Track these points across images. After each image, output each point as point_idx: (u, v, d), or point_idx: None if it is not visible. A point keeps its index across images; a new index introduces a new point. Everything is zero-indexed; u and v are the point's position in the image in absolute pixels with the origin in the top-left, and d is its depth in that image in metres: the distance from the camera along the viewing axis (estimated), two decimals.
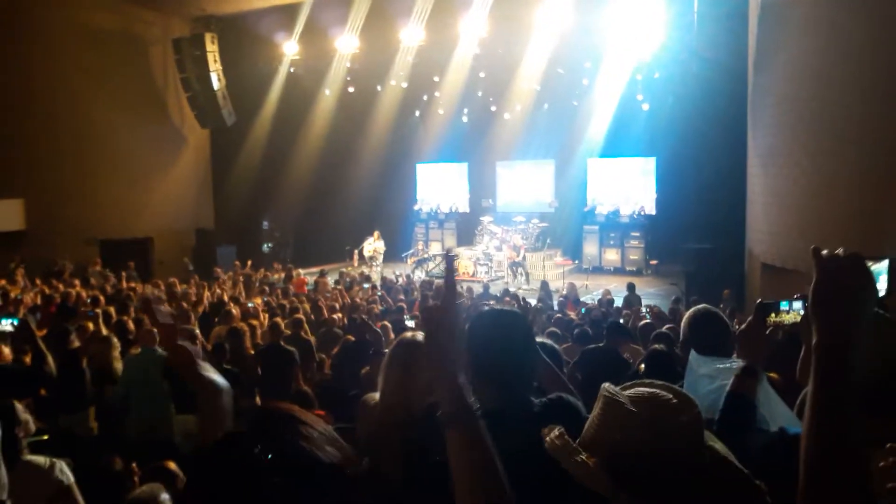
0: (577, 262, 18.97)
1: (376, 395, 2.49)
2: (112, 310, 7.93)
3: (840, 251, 1.23)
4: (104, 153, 16.53)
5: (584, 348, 5.17)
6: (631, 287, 12.86)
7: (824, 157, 10.17)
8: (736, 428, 1.72)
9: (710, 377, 2.05)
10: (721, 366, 2.05)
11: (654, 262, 17.90)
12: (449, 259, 1.30)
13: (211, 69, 17.51)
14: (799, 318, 1.80)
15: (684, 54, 15.09)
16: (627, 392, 1.22)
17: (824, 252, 1.23)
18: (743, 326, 1.91)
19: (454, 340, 1.21)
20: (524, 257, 17.21)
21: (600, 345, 5.17)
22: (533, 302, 11.74)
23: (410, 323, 6.89)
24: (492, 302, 11.21)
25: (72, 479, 2.54)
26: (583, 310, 11.18)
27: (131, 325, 6.78)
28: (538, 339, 2.47)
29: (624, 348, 5.33)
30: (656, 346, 3.98)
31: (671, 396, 1.20)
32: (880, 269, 1.42)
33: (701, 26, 14.22)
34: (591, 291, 14.80)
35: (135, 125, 17.19)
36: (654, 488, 1.14)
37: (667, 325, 6.26)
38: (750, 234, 13.07)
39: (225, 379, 1.78)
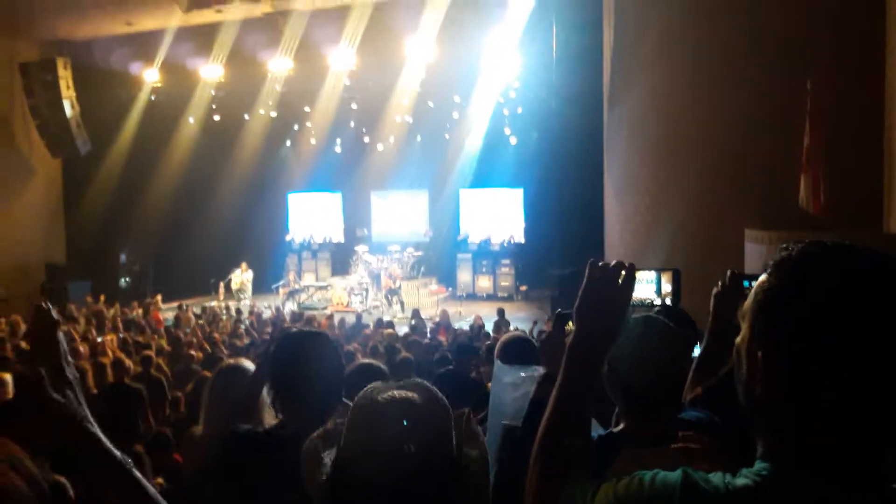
0: (451, 289, 19.26)
1: (200, 428, 2.42)
2: None
3: (612, 262, 1.36)
4: None
5: (438, 371, 5.26)
6: (501, 312, 13.26)
7: (666, 187, 11.00)
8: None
9: (514, 385, 2.14)
10: (524, 374, 2.14)
11: (523, 287, 18.49)
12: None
13: (63, 96, 16.45)
14: None
15: (544, 91, 15.87)
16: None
17: (600, 263, 1.37)
18: (543, 336, 2.02)
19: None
20: (400, 286, 17.29)
21: (450, 367, 5.29)
22: (405, 329, 11.78)
23: None
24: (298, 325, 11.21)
25: None
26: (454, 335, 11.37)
27: None
28: (365, 361, 2.50)
29: (476, 369, 5.47)
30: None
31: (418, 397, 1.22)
32: (650, 278, 1.57)
33: (559, 63, 15.04)
34: (465, 317, 15.05)
35: None
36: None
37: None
38: (609, 259, 13.77)
39: None
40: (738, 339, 1.04)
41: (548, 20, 14.61)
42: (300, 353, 1.90)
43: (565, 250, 15.53)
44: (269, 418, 2.07)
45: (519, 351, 2.45)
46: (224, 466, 1.87)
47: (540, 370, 1.95)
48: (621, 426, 1.74)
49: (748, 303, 1.01)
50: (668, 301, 1.51)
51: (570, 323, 2.04)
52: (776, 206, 8.90)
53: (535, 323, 12.35)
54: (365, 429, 1.16)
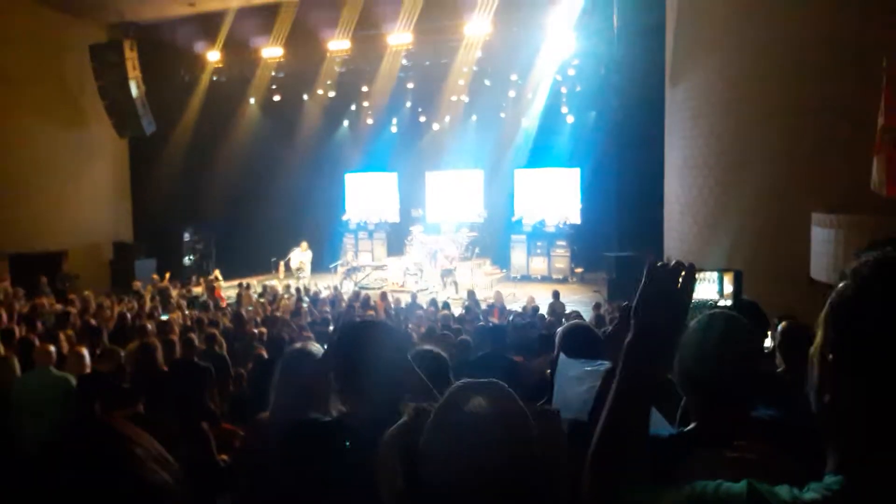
0: (505, 270, 19.19)
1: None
2: (16, 328, 7.56)
3: (672, 261, 1.34)
4: (15, 162, 15.73)
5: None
6: (556, 294, 13.14)
7: (733, 171, 10.67)
8: None
9: (579, 379, 2.11)
10: (589, 368, 2.11)
11: (578, 269, 18.28)
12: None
13: (129, 77, 16.95)
14: None
15: (605, 68, 15.55)
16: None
17: (660, 263, 1.35)
18: (610, 329, 1.98)
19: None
20: (455, 267, 17.32)
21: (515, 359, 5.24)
22: (459, 311, 11.82)
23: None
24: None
25: None
26: (510, 317, 11.37)
27: (37, 344, 6.46)
28: (425, 347, 2.50)
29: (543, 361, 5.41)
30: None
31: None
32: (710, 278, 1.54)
33: (620, 41, 14.70)
34: (519, 299, 15.00)
35: (49, 133, 16.45)
36: None
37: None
38: (667, 243, 13.53)
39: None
40: (812, 347, 1.02)
41: None
42: (363, 342, 1.91)
43: (623, 232, 15.30)
44: (337, 406, 2.09)
45: (582, 342, 2.40)
46: (290, 454, 1.91)
47: (606, 364, 1.92)
48: (692, 425, 1.70)
49: (824, 311, 0.99)
50: (729, 302, 1.47)
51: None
52: (846, 190, 8.54)
53: (598, 306, 12.17)
54: (448, 441, 1.15)
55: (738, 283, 1.36)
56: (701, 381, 1.66)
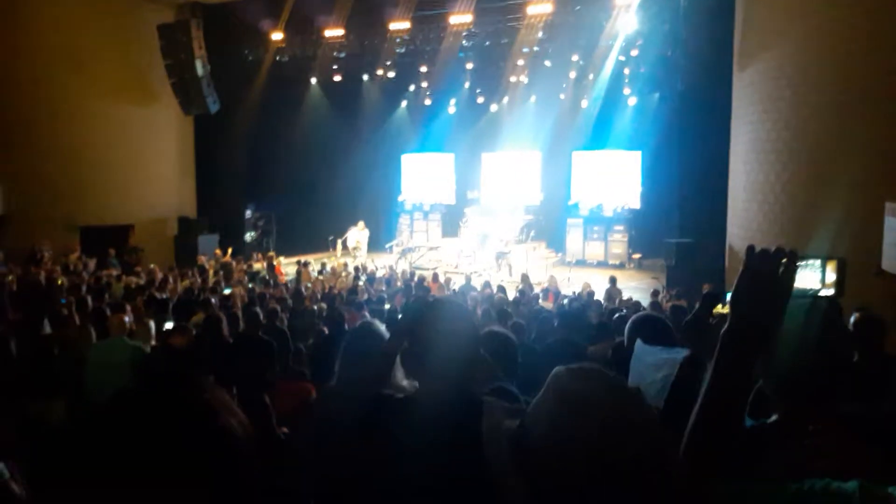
0: (560, 254, 19.02)
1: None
2: (89, 298, 7.87)
3: (771, 248, 1.28)
4: (86, 139, 16.33)
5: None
6: (613, 280, 12.95)
7: (803, 158, 10.28)
8: (680, 417, 1.74)
9: (656, 366, 2.07)
10: (666, 356, 2.07)
11: (636, 255, 17.98)
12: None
13: (195, 55, 17.33)
14: None
15: (671, 50, 15.13)
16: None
17: (759, 249, 1.29)
18: (689, 317, 1.93)
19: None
20: (509, 250, 17.26)
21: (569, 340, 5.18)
22: (513, 294, 11.78)
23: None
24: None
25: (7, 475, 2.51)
26: (564, 301, 11.26)
27: (108, 314, 6.73)
28: (494, 329, 2.50)
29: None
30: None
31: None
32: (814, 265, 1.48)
33: (687, 22, 14.27)
34: (574, 284, 14.86)
35: (117, 111, 17.01)
36: None
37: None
38: (731, 230, 13.16)
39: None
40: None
41: None
42: (434, 321, 1.91)
43: (684, 218, 14.94)
44: (403, 384, 2.10)
45: (656, 330, 2.36)
46: (359, 429, 1.93)
47: (683, 352, 1.88)
48: (775, 416, 1.65)
49: None
50: (831, 292, 1.40)
51: (719, 305, 1.96)
52: None
53: (655, 293, 11.96)
54: (567, 428, 1.13)
55: (841, 271, 1.29)
56: (796, 372, 1.60)
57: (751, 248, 1.26)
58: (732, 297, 1.24)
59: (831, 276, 1.75)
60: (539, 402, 1.19)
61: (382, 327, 2.62)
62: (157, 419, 0.95)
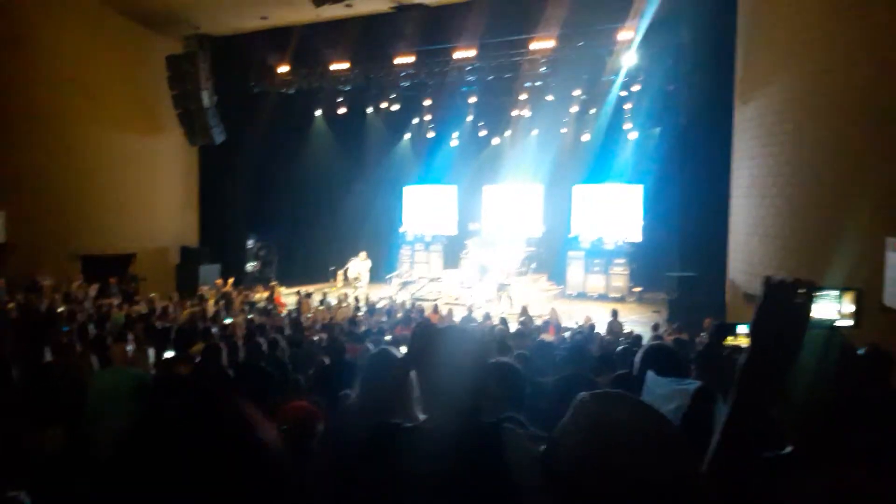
0: (562, 287, 18.99)
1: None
2: (90, 326, 7.85)
3: (788, 278, 1.29)
4: (90, 168, 16.43)
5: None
6: (614, 313, 12.92)
7: (804, 193, 10.32)
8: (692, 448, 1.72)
9: (667, 398, 2.06)
10: (678, 387, 2.06)
11: (637, 289, 17.95)
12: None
13: (202, 87, 17.56)
14: None
15: (673, 84, 15.31)
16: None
17: (777, 280, 1.30)
18: (700, 348, 1.92)
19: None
20: (510, 282, 17.24)
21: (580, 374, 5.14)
22: (514, 326, 11.73)
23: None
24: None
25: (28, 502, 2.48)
26: (565, 335, 11.20)
27: (110, 343, 6.70)
28: (500, 360, 2.48)
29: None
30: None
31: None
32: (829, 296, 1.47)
33: (689, 57, 14.46)
34: (574, 317, 14.81)
35: (123, 140, 17.15)
36: None
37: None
38: (732, 264, 13.17)
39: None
40: None
41: (677, 12, 14.07)
42: (442, 347, 1.89)
43: (685, 252, 14.95)
44: (418, 412, 2.08)
45: (666, 361, 2.35)
46: (370, 458, 1.91)
47: (694, 384, 1.87)
48: (789, 448, 1.63)
49: None
50: (849, 322, 1.40)
51: (731, 337, 1.95)
52: None
53: (656, 327, 11.92)
54: (603, 457, 1.12)
55: (859, 302, 1.30)
56: (812, 403, 1.59)
57: (768, 279, 1.27)
58: (752, 327, 1.24)
59: (848, 308, 1.73)
60: (565, 428, 1.18)
61: (399, 354, 2.60)
62: (194, 439, 0.95)
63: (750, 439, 1.21)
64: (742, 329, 1.88)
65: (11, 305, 10.45)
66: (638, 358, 2.54)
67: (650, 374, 2.22)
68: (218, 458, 0.91)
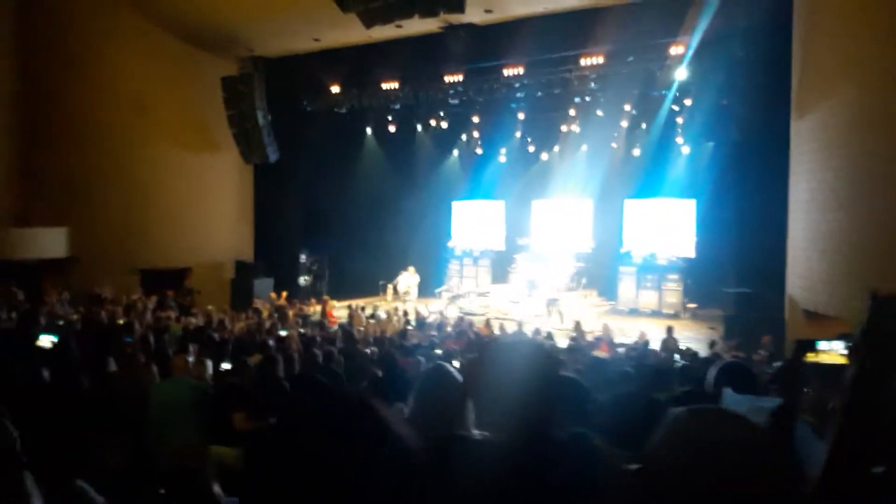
0: (613, 302, 18.72)
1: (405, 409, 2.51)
2: (151, 337, 8.07)
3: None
4: (149, 184, 17.00)
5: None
6: (670, 330, 12.66)
7: (865, 208, 9.97)
8: None
9: (747, 416, 2.00)
10: (757, 405, 2.00)
11: (691, 305, 17.58)
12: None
13: (257, 107, 17.99)
14: (840, 358, 1.78)
15: (726, 98, 15.04)
16: None
17: (886, 295, 1.28)
18: (780, 365, 1.88)
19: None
20: (559, 297, 17.09)
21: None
22: (565, 341, 11.62)
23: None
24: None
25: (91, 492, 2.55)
26: (619, 350, 11.03)
27: (171, 354, 6.87)
28: (563, 373, 2.45)
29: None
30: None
31: None
32: None
33: (743, 71, 14.20)
34: (627, 333, 14.57)
35: (180, 158, 17.70)
36: None
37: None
38: (790, 280, 12.78)
39: None
40: None
41: (731, 27, 13.84)
42: (517, 363, 1.87)
43: (741, 268, 14.59)
44: (473, 426, 2.07)
45: (746, 378, 2.29)
46: (430, 472, 1.90)
47: (775, 401, 1.82)
48: (881, 469, 1.57)
49: None
50: None
51: (812, 354, 1.90)
52: None
53: (713, 344, 11.64)
54: (692, 466, 1.11)
55: None
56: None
57: (876, 294, 1.24)
58: (859, 343, 1.21)
59: None
60: (660, 445, 1.16)
61: (454, 369, 2.61)
62: (338, 438, 1.00)
63: (861, 455, 1.17)
64: (824, 345, 1.83)
65: (76, 317, 10.81)
66: (712, 374, 2.48)
67: (728, 392, 2.17)
68: (368, 455, 0.95)
